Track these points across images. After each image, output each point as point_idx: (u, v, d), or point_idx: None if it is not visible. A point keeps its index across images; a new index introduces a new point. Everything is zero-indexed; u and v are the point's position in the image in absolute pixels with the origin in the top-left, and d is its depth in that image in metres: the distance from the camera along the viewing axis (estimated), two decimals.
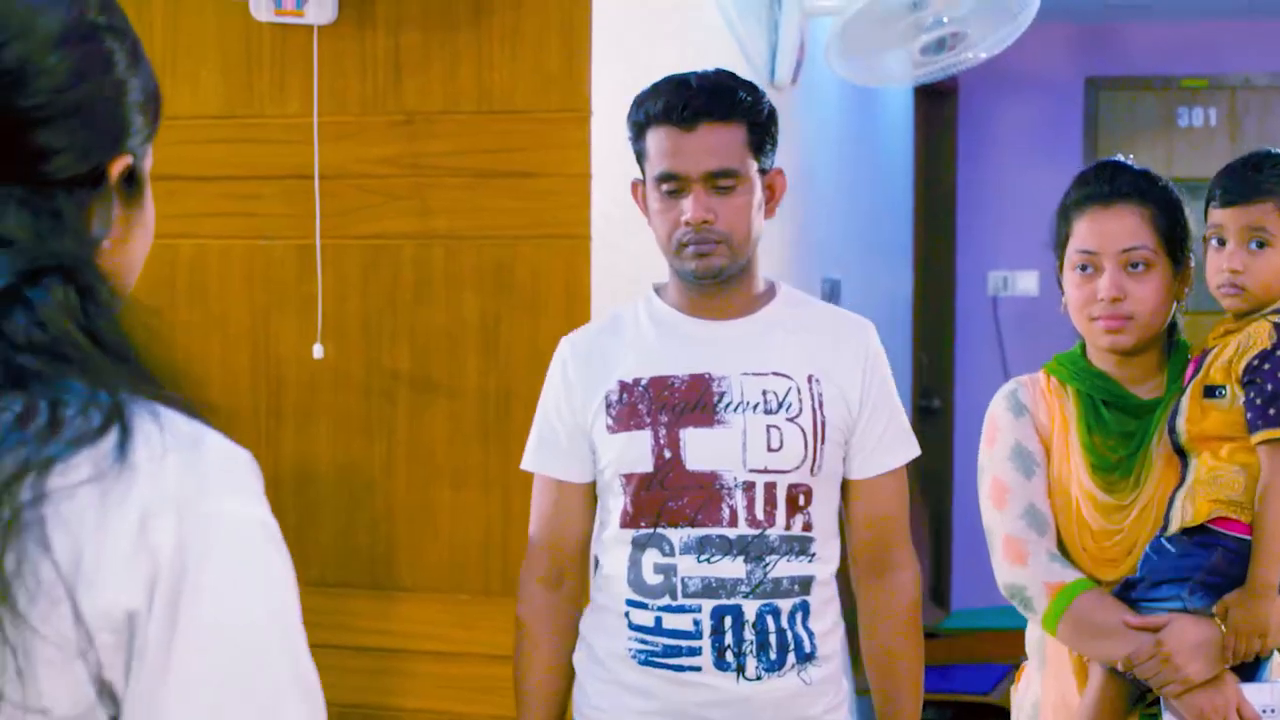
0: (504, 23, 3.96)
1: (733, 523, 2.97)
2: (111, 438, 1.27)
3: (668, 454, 2.99)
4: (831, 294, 6.18)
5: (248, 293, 4.16)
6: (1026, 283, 8.58)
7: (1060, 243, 3.18)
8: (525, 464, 3.20)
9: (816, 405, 3.02)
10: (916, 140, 8.13)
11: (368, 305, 4.08)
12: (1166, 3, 8.10)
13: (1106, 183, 3.13)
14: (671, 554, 2.98)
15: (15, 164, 1.34)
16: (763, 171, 3.05)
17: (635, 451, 3.02)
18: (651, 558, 3.00)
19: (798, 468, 3.00)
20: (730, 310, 3.10)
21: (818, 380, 3.04)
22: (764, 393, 3.01)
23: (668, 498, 2.99)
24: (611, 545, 3.07)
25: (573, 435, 3.11)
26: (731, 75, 3.09)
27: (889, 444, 3.11)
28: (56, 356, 1.30)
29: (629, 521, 3.03)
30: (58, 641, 1.24)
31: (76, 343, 1.31)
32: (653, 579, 3.00)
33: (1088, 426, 3.11)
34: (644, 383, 3.04)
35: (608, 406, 3.06)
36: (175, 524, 1.27)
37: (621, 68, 4.04)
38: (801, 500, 3.01)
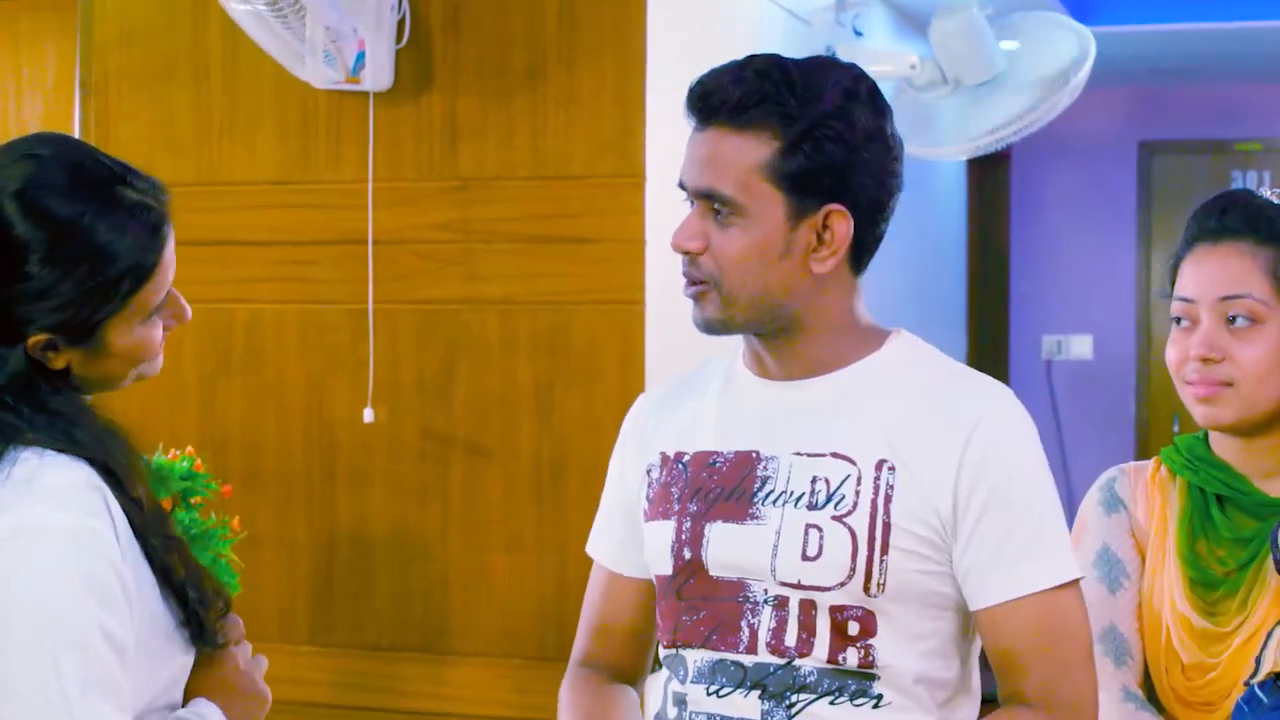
0: (559, 89, 3.99)
1: (750, 648, 2.21)
2: None
3: (688, 554, 2.25)
4: None
5: (302, 357, 4.18)
6: (1080, 347, 8.53)
7: (1172, 293, 2.49)
8: (587, 547, 2.51)
9: (881, 501, 2.18)
10: (970, 205, 8.12)
11: (421, 370, 4.09)
12: (1218, 66, 8.08)
13: (1216, 216, 2.42)
14: (685, 681, 2.26)
15: None
16: (800, 210, 2.18)
17: (658, 547, 2.30)
18: (672, 685, 2.29)
19: (841, 584, 2.18)
20: (799, 368, 2.27)
21: (891, 468, 2.18)
22: (813, 480, 2.21)
23: (682, 610, 2.27)
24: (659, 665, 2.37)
25: (629, 517, 2.40)
26: (815, 64, 2.22)
27: (1010, 561, 2.17)
28: None
29: (661, 635, 2.34)
30: None
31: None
32: (670, 712, 2.29)
33: (1191, 530, 2.39)
34: (686, 458, 2.30)
35: (649, 485, 2.35)
36: None
37: (676, 133, 4.04)
38: (854, 628, 2.18)
